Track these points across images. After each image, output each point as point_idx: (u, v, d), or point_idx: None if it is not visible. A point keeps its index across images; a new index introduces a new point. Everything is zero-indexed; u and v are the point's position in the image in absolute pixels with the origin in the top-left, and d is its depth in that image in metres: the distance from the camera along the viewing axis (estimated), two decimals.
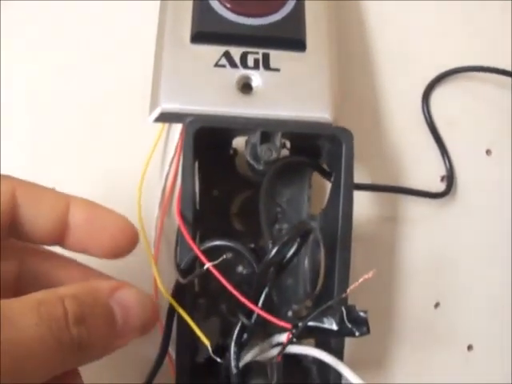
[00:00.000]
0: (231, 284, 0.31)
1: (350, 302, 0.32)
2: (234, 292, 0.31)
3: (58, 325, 0.22)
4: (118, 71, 0.42)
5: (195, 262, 0.35)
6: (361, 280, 0.29)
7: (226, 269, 0.38)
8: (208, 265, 0.31)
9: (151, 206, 0.40)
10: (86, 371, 0.27)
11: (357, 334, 0.29)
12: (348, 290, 0.30)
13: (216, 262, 0.32)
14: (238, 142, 0.38)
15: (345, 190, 0.34)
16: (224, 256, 0.32)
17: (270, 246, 0.31)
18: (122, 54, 0.42)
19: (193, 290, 0.38)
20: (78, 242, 0.28)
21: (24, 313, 0.22)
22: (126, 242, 0.28)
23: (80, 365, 0.25)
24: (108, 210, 0.28)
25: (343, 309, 0.30)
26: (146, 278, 0.37)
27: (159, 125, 0.40)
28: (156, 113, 0.35)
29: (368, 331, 0.29)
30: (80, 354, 0.23)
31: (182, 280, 0.32)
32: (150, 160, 0.39)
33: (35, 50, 0.42)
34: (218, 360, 0.32)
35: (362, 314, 0.30)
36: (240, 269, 0.39)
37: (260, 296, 0.32)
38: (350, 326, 0.30)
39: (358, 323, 0.30)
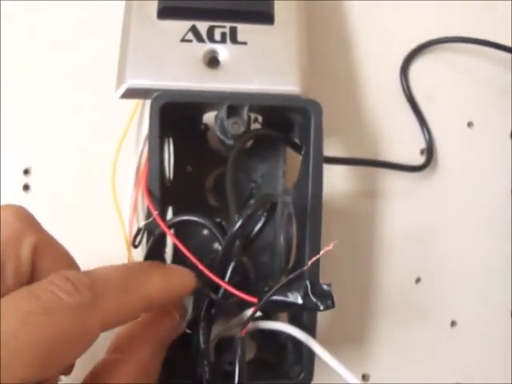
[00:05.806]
0: (199, 260, 0.31)
1: (327, 279, 0.31)
2: (200, 266, 0.31)
3: None
4: (92, 47, 0.42)
5: (164, 238, 0.35)
6: (322, 252, 0.28)
7: (202, 245, 0.39)
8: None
9: (126, 184, 0.40)
10: None
11: (321, 307, 0.29)
12: (309, 263, 0.29)
13: None
14: (210, 118, 0.38)
15: (314, 162, 0.34)
16: None
17: (236, 219, 0.31)
18: (95, 29, 0.42)
19: None
20: None
21: None
22: None
23: None
24: None
25: (307, 282, 0.30)
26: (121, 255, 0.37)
27: (133, 102, 0.40)
28: (122, 89, 0.35)
29: (333, 305, 0.29)
30: None
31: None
32: (124, 137, 0.39)
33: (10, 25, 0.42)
34: (189, 331, 0.33)
35: (325, 287, 0.29)
36: (216, 245, 0.39)
37: (226, 270, 0.32)
38: (314, 299, 0.29)
39: (322, 297, 0.29)
